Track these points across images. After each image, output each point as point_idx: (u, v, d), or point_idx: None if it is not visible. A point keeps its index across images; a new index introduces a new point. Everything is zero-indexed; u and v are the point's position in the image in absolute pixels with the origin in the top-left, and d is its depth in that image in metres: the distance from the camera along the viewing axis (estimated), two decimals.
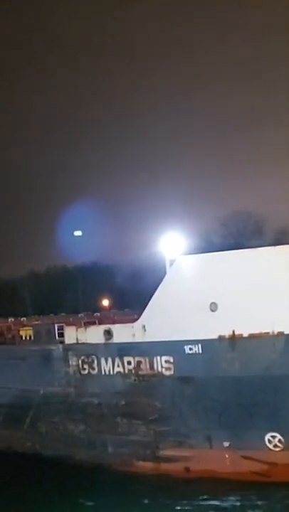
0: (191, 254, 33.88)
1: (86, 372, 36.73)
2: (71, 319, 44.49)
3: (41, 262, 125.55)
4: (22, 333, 42.91)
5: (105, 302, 77.79)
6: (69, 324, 40.36)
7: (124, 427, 34.94)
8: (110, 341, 35.63)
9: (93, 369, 36.36)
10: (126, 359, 34.71)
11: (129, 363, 34.62)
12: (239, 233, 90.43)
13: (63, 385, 38.05)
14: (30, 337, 42.09)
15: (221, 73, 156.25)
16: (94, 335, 36.60)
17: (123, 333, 35.11)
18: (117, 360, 35.07)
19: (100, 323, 40.06)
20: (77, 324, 40.45)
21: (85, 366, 36.75)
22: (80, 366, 36.99)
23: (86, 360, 36.65)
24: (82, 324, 40.48)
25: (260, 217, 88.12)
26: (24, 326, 46.56)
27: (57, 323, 42.02)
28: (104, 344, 35.81)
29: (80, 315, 47.75)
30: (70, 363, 37.55)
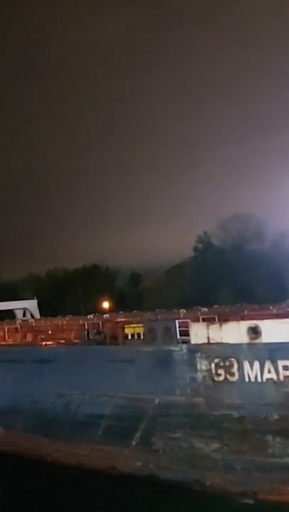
0: None
1: (222, 378, 30.07)
2: (181, 315, 37.79)
3: (42, 265, 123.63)
4: (128, 331, 36.18)
5: (105, 304, 74.19)
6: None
7: (278, 448, 28.24)
8: (257, 341, 28.99)
9: (232, 375, 29.71)
10: (281, 363, 28.00)
11: (285, 368, 27.93)
12: (239, 235, 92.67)
13: (188, 393, 31.40)
14: (138, 336, 35.43)
15: (220, 78, 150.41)
16: (233, 333, 29.84)
17: (276, 330, 28.42)
18: (268, 365, 28.41)
19: (220, 320, 33.37)
20: (193, 320, 33.84)
21: (220, 371, 30.11)
22: (213, 371, 30.32)
23: (222, 364, 30.00)
24: (200, 320, 34.00)
25: (260, 219, 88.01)
26: (117, 322, 40.06)
27: (166, 319, 35.51)
28: (249, 345, 29.15)
29: (181, 310, 40.92)
30: (199, 367, 30.87)
